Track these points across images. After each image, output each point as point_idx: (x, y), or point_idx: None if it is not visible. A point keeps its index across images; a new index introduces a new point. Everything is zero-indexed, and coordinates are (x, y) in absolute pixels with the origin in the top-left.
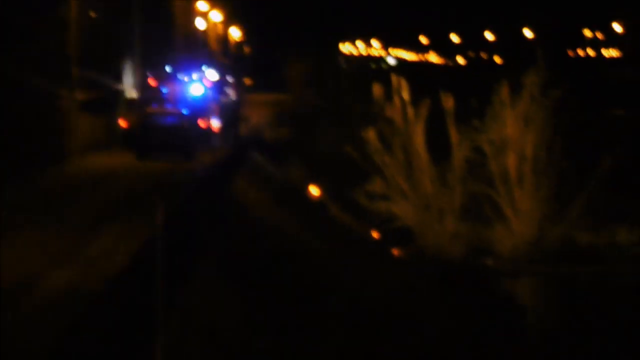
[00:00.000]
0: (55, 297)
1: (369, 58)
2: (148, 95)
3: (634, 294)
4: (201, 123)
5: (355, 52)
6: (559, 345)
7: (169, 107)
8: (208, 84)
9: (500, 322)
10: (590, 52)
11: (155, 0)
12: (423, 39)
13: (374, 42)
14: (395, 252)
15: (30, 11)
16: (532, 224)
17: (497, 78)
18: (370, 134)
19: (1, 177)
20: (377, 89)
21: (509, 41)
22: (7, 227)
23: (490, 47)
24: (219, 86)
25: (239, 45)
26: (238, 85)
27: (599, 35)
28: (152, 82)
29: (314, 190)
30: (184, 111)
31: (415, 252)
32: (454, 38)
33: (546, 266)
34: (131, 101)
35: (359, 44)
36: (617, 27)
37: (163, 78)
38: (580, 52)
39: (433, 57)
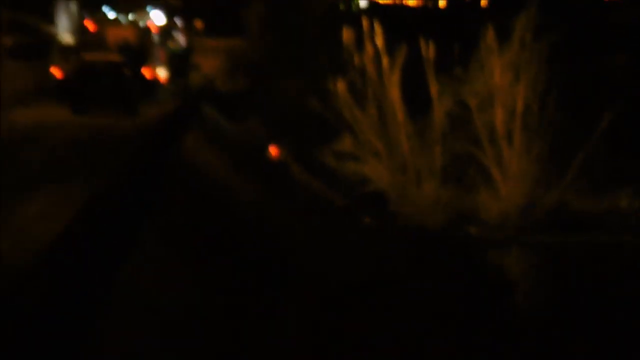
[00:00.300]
0: None
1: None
2: (85, 40)
3: (635, 266)
4: (146, 72)
5: None
6: (551, 323)
7: (110, 55)
8: (154, 28)
9: (486, 299)
10: None
11: None
12: None
13: None
14: (367, 219)
15: None
16: (522, 187)
17: (482, 21)
18: (339, 86)
19: None
20: (346, 34)
21: None
22: None
23: None
24: (166, 30)
25: None
26: (188, 30)
27: None
28: (90, 25)
29: (275, 150)
30: (127, 59)
31: (390, 219)
32: None
33: (538, 235)
34: (66, 47)
35: None
36: None
37: (103, 21)
38: None
39: (410, 1)
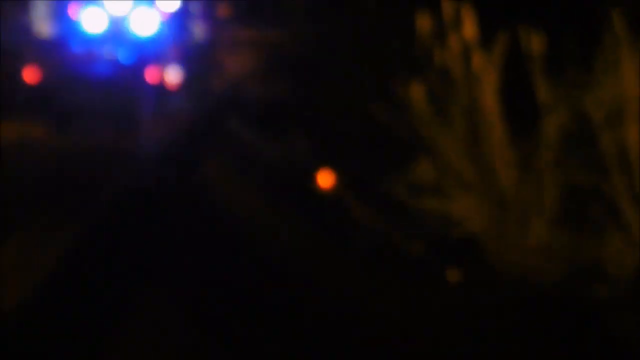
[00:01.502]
0: None
1: None
2: (69, 32)
3: None
4: (151, 75)
5: None
6: None
7: (102, 51)
8: (162, 15)
9: None
10: None
11: None
12: None
13: None
14: (454, 274)
15: None
16: None
17: (610, 4)
18: (415, 92)
19: None
20: (423, 21)
21: None
22: None
23: None
24: (180, 18)
25: None
26: (208, 17)
27: None
28: (74, 12)
29: (326, 179)
30: (125, 57)
31: (485, 274)
32: None
33: None
34: (42, 42)
35: None
36: None
37: (92, 6)
38: None
39: None
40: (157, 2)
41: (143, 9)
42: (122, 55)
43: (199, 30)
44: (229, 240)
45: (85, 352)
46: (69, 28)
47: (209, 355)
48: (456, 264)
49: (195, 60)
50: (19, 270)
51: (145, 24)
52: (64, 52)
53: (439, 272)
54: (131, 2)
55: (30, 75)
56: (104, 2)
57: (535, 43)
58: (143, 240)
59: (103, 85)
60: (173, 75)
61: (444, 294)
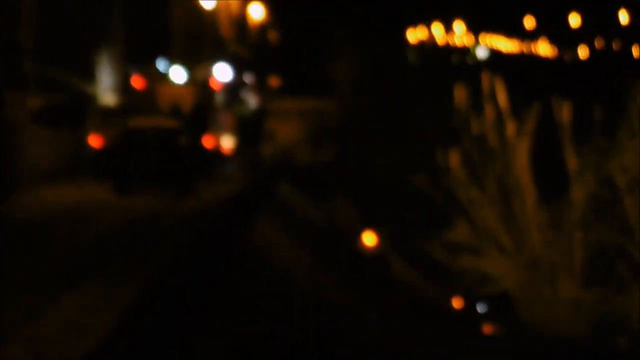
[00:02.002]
0: None
1: (450, 49)
2: (132, 101)
3: None
4: (206, 142)
5: (429, 40)
6: None
7: (161, 120)
8: (217, 86)
9: None
10: None
11: None
12: (528, 22)
13: (457, 26)
14: (489, 328)
15: None
16: None
17: (633, 77)
18: (452, 158)
19: None
20: (460, 94)
21: None
22: None
23: (625, 33)
24: (233, 89)
25: (262, 30)
26: (260, 88)
27: None
28: (137, 83)
29: (370, 239)
30: (182, 125)
31: (518, 328)
32: (574, 20)
33: None
34: (107, 110)
35: (436, 28)
36: None
37: (154, 78)
38: None
39: (542, 47)
40: (213, 74)
41: (199, 81)
42: (180, 122)
43: (251, 100)
44: (278, 294)
45: None
46: (133, 97)
47: None
48: (491, 318)
49: (248, 127)
50: (72, 330)
51: (202, 93)
52: (128, 119)
53: (476, 326)
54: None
55: (95, 140)
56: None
57: (564, 113)
58: (201, 290)
59: (162, 149)
60: (227, 141)
61: (480, 346)
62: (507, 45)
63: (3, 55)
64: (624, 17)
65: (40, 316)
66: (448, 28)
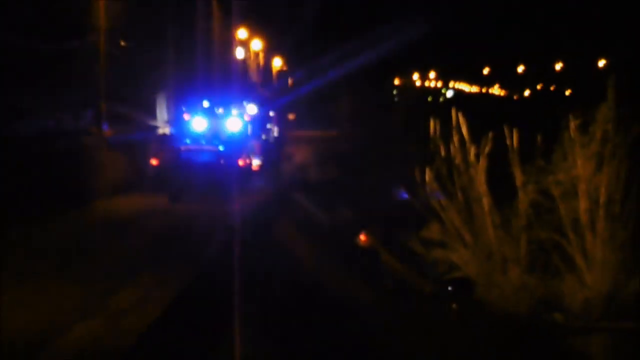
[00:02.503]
0: (77, 352)
1: (426, 90)
2: (182, 130)
3: None
4: (240, 161)
5: (410, 84)
6: None
7: (205, 144)
8: (248, 119)
9: None
10: None
11: (191, 28)
12: (485, 70)
13: (432, 74)
14: (454, 305)
15: (55, 41)
16: (605, 275)
17: (565, 112)
18: (427, 175)
19: (23, 222)
20: (433, 125)
21: (581, 72)
22: (27, 276)
23: (559, 79)
24: (260, 121)
25: (281, 76)
26: (280, 121)
27: None
28: (187, 116)
29: (364, 237)
30: (221, 148)
31: (477, 306)
32: (520, 69)
33: (622, 322)
34: (164, 137)
35: (415, 75)
36: None
37: (199, 112)
38: None
39: (496, 89)
40: (245, 108)
41: (234, 114)
42: (220, 146)
43: (273, 129)
44: (293, 275)
45: None
46: (183, 127)
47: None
48: (456, 298)
49: (271, 150)
50: (143, 302)
51: (236, 124)
52: (179, 144)
53: (444, 304)
54: (224, 109)
55: (154, 160)
56: (207, 106)
57: (513, 140)
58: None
59: (206, 167)
60: (256, 161)
61: (446, 318)
62: (469, 87)
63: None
64: (558, 66)
65: (118, 292)
66: (424, 75)
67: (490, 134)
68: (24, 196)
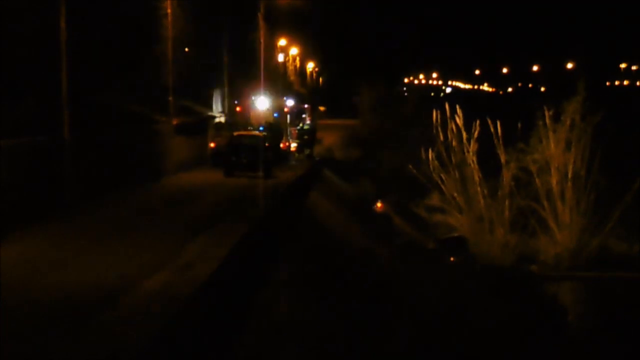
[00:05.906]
0: (151, 298)
1: (429, 87)
2: (234, 119)
3: None
4: (281, 144)
5: (416, 82)
6: (598, 342)
7: (253, 131)
8: (287, 110)
9: (544, 320)
10: (626, 83)
11: (241, 38)
12: (477, 71)
13: (434, 74)
14: (451, 259)
15: (134, 48)
16: (572, 234)
17: (541, 105)
18: (430, 155)
19: (105, 192)
20: (435, 115)
21: (553, 72)
22: (110, 234)
23: (536, 78)
24: (297, 112)
25: (314, 76)
26: (313, 111)
27: (635, 67)
28: (238, 108)
29: (380, 204)
30: (266, 134)
31: (469, 259)
32: (504, 70)
33: (585, 272)
34: (220, 125)
35: (420, 75)
36: None
37: (248, 105)
38: (617, 83)
39: (486, 87)
40: (285, 104)
41: (275, 106)
42: (265, 132)
43: (307, 118)
44: (324, 233)
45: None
46: (235, 118)
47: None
48: (453, 252)
49: (305, 135)
50: (201, 259)
51: (277, 115)
52: (232, 131)
53: (443, 257)
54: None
55: (212, 144)
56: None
57: (497, 127)
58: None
59: (254, 149)
60: (293, 145)
61: (445, 269)
62: (464, 85)
63: (158, 93)
64: (535, 67)
65: (182, 250)
66: (428, 75)
67: (477, 122)
68: (111, 171)
